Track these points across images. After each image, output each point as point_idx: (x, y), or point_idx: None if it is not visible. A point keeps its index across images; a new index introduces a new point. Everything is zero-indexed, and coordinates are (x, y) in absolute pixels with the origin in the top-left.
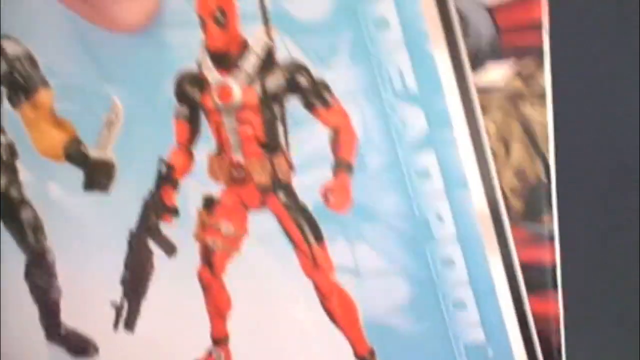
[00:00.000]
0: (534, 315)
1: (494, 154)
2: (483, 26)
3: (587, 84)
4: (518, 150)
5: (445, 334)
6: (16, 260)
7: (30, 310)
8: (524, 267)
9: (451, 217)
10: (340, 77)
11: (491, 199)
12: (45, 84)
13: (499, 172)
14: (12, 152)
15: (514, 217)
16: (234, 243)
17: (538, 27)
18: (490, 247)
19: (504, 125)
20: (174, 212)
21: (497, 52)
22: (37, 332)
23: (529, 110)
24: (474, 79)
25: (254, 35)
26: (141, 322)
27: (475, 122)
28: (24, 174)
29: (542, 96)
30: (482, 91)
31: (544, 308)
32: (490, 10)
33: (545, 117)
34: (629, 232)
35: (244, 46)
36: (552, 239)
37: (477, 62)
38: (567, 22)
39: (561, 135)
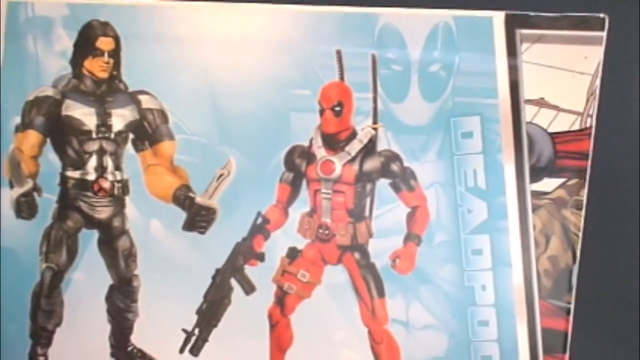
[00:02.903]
0: None
1: (536, 243)
2: (545, 149)
3: (618, 202)
4: (555, 242)
5: None
6: (91, 282)
7: (98, 327)
8: (544, 332)
9: (493, 288)
10: (425, 169)
11: (528, 277)
12: (171, 136)
13: (537, 258)
14: (124, 188)
15: (543, 293)
16: (306, 290)
17: (585, 156)
18: (520, 315)
19: (548, 222)
20: (261, 258)
21: (552, 169)
22: (102, 348)
23: (569, 215)
24: (531, 186)
25: (363, 127)
26: (205, 349)
27: (526, 217)
28: (130, 209)
29: (580, 206)
30: (535, 195)
31: None
32: (553, 138)
33: (580, 221)
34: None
35: (352, 134)
36: (569, 313)
37: (536, 174)
38: (608, 154)
39: (590, 236)
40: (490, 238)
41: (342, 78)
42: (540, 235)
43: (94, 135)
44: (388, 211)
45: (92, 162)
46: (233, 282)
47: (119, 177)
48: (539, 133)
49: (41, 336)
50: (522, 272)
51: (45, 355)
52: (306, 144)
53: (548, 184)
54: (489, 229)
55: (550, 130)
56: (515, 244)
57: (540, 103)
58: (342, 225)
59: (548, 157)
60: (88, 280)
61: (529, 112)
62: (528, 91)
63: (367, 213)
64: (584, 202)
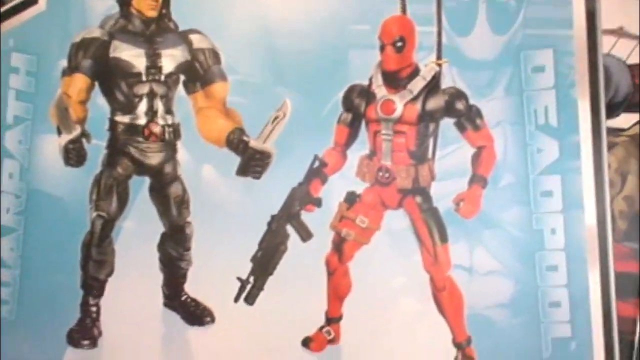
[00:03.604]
0: (617, 317)
1: (611, 183)
2: (623, 82)
3: None
4: (632, 182)
5: (537, 328)
6: (143, 230)
7: (151, 277)
8: (617, 276)
9: (563, 232)
10: (492, 107)
11: (601, 219)
12: (223, 77)
13: (612, 198)
14: (175, 132)
15: (617, 235)
16: (365, 236)
17: None
18: (592, 259)
19: (625, 161)
20: (318, 203)
21: (630, 104)
22: (154, 298)
23: None
24: (607, 122)
25: (426, 63)
26: (261, 297)
27: (600, 156)
28: (182, 154)
29: None
30: (611, 132)
31: (627, 311)
32: (631, 70)
33: None
34: None
35: (414, 70)
36: None
37: (612, 109)
38: None
39: None
40: (562, 179)
41: (404, 11)
42: (616, 174)
43: (143, 78)
44: (452, 152)
45: (142, 106)
46: (289, 228)
47: (170, 121)
48: (617, 65)
49: (93, 286)
50: (595, 213)
51: (97, 305)
52: (365, 82)
53: (625, 120)
54: (560, 169)
55: (629, 62)
56: (589, 184)
57: (619, 33)
58: (403, 167)
59: (626, 91)
60: (139, 229)
61: (606, 43)
62: (606, 20)
63: (429, 154)
64: None
